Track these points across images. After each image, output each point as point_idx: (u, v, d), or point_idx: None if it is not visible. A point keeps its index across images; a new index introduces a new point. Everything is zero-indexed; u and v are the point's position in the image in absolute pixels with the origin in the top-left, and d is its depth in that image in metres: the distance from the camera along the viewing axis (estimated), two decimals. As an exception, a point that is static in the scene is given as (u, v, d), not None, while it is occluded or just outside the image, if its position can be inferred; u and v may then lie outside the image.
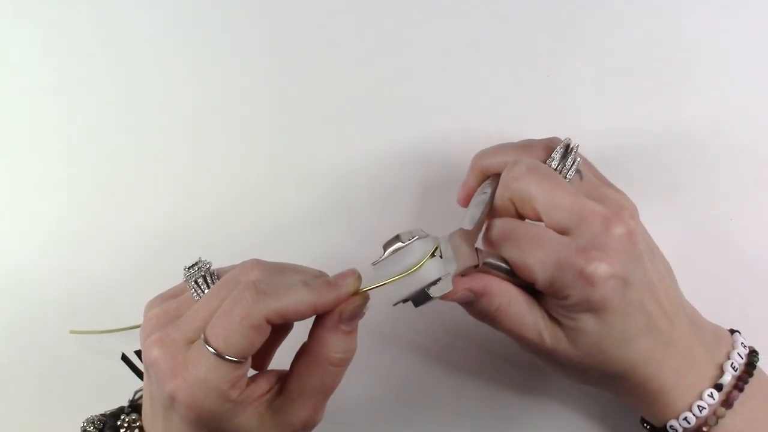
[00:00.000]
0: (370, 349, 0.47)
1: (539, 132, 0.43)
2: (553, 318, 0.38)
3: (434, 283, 0.35)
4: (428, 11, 0.49)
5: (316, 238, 0.49)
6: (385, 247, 0.35)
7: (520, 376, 0.47)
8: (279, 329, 0.39)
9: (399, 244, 0.35)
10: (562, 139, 0.40)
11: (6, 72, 0.51)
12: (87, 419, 0.38)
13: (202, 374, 0.33)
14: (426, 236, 0.36)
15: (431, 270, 0.35)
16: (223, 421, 0.34)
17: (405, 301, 0.35)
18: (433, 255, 0.35)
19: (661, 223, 0.44)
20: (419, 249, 0.35)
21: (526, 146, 0.41)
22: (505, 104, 0.49)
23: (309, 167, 0.49)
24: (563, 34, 0.49)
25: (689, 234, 0.47)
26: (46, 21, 0.50)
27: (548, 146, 0.40)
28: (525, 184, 0.37)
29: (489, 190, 0.40)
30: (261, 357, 0.40)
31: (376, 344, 0.48)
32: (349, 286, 0.36)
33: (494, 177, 0.41)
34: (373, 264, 0.36)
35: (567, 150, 0.40)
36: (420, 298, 0.35)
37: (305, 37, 0.50)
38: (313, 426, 0.37)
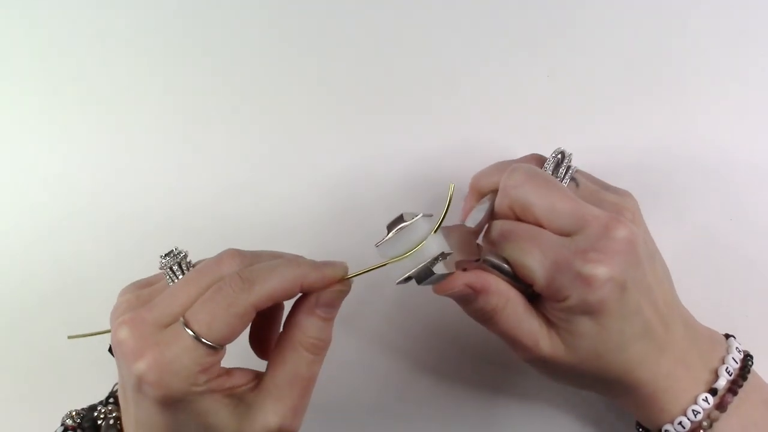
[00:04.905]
0: (358, 350, 0.47)
1: (536, 136, 0.43)
2: (550, 323, 0.37)
3: (437, 260, 0.35)
4: (431, 15, 0.49)
5: (313, 242, 0.49)
6: (389, 227, 0.35)
7: (513, 379, 0.47)
8: (272, 312, 0.40)
9: (404, 223, 0.35)
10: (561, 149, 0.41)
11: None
12: (66, 413, 0.38)
13: (174, 354, 0.33)
14: (430, 215, 0.36)
15: (434, 245, 0.35)
16: (191, 404, 0.34)
17: (407, 280, 0.35)
18: (435, 232, 0.35)
19: (662, 224, 0.43)
20: (424, 225, 0.35)
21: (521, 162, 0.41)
22: (505, 107, 0.49)
23: (309, 170, 0.49)
24: (564, 35, 0.48)
25: (689, 234, 0.47)
26: (43, 16, 0.51)
27: (541, 159, 0.41)
28: (523, 192, 0.37)
29: (489, 202, 0.40)
30: (265, 344, 0.40)
31: (366, 346, 0.48)
32: (336, 270, 0.36)
33: (493, 194, 0.41)
34: (377, 245, 0.36)
35: (560, 159, 0.40)
36: (423, 274, 0.35)
37: (312, 34, 0.50)
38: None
